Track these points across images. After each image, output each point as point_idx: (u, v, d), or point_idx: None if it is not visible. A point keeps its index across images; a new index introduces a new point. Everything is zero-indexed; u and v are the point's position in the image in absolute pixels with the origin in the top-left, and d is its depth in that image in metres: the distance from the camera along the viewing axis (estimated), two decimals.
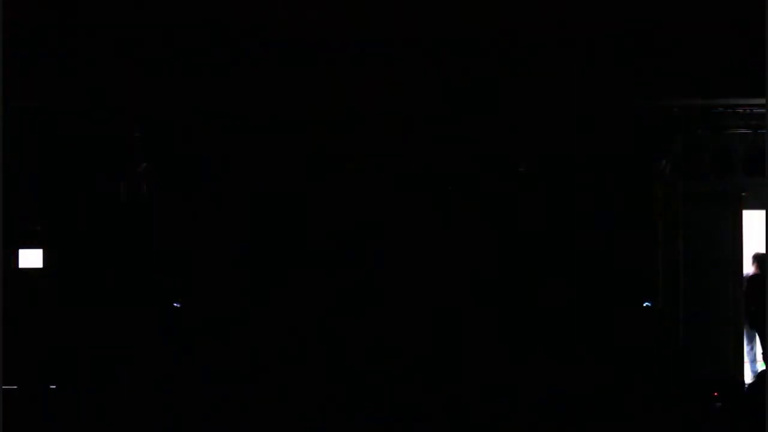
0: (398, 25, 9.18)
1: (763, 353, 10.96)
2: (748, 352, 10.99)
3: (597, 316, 11.37)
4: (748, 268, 11.08)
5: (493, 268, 11.42)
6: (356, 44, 9.32)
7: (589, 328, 11.02)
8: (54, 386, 10.21)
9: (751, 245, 11.14)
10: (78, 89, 9.15)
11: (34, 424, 8.12)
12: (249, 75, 9.48)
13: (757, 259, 11.07)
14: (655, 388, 9.73)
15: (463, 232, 11.40)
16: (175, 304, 11.03)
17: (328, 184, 11.08)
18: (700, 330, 10.54)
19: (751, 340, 11.14)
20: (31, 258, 10.96)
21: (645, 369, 10.57)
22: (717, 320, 10.75)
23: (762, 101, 8.92)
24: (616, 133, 10.16)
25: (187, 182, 10.88)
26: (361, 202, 11.23)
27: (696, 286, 10.63)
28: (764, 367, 10.59)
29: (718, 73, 9.11)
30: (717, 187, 10.78)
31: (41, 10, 9.06)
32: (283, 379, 10.26)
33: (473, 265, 11.42)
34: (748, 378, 10.61)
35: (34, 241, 10.92)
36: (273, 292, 11.52)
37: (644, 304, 11.01)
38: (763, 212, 10.60)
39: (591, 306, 11.39)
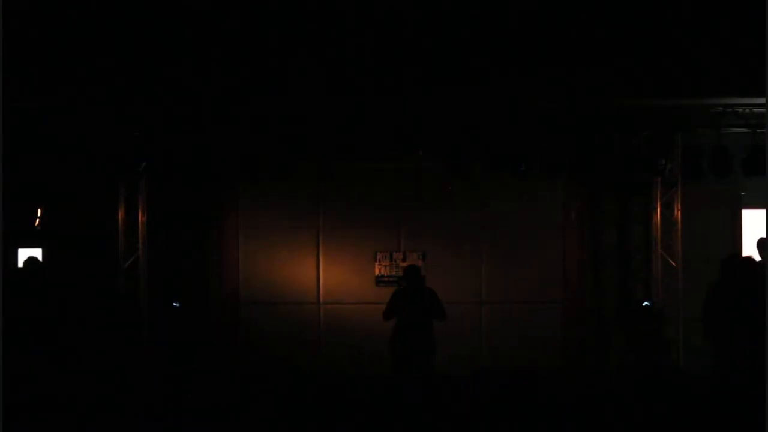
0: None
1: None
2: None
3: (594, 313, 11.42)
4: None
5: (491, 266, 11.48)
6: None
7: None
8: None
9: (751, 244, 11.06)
10: (78, 90, 9.14)
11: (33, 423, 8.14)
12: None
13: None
14: (655, 385, 9.73)
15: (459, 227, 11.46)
16: (174, 304, 11.05)
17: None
18: (699, 328, 10.53)
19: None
20: None
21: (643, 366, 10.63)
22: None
23: (762, 101, 8.93)
24: (616, 133, 10.17)
25: (185, 181, 10.89)
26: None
27: (695, 285, 10.61)
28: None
29: (718, 73, 9.10)
30: (717, 186, 10.79)
31: (41, 10, 9.07)
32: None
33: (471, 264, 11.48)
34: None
35: (35, 241, 10.93)
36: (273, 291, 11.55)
37: (644, 304, 11.00)
38: (763, 212, 10.61)
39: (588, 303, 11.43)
